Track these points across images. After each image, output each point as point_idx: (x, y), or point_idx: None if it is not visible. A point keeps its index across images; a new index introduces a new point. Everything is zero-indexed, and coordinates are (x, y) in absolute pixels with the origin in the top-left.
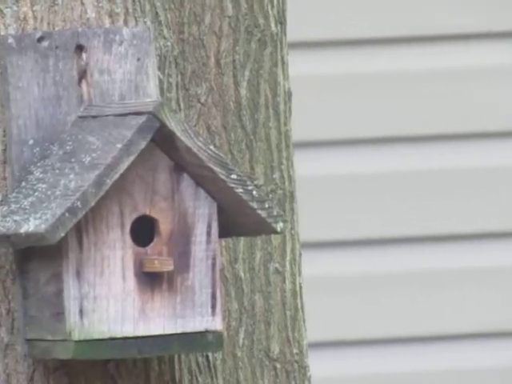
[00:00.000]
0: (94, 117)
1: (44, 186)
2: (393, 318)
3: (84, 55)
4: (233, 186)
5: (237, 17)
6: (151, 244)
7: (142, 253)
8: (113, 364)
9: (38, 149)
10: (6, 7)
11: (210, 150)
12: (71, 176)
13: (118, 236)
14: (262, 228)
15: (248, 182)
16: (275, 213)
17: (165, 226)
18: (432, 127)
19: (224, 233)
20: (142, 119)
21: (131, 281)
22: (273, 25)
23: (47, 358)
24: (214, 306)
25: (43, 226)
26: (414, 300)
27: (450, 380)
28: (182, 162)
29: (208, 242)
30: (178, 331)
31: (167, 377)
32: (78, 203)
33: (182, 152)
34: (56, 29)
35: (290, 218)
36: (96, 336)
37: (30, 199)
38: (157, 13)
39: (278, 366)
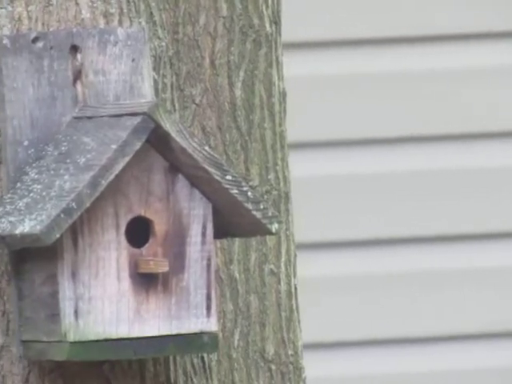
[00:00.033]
0: (89, 117)
1: (39, 186)
2: (393, 318)
3: (79, 56)
4: (228, 186)
5: (231, 17)
6: (146, 245)
7: (137, 254)
8: (108, 365)
9: (32, 150)
10: (1, 8)
11: (205, 150)
12: (66, 177)
13: (113, 237)
14: (257, 229)
15: (243, 183)
16: (270, 214)
17: (160, 226)
18: (432, 127)
19: (219, 234)
20: (136, 120)
21: (126, 282)
22: (267, 25)
23: (42, 359)
24: (209, 307)
25: (38, 227)
26: (414, 300)
27: (450, 380)
28: (176, 163)
29: (203, 242)
30: (173, 332)
31: (162, 378)
32: (73, 204)
33: (177, 153)
34: (51, 29)
35: (285, 219)
36: (91, 337)
37: (25, 200)
38: (151, 13)
39: (273, 367)
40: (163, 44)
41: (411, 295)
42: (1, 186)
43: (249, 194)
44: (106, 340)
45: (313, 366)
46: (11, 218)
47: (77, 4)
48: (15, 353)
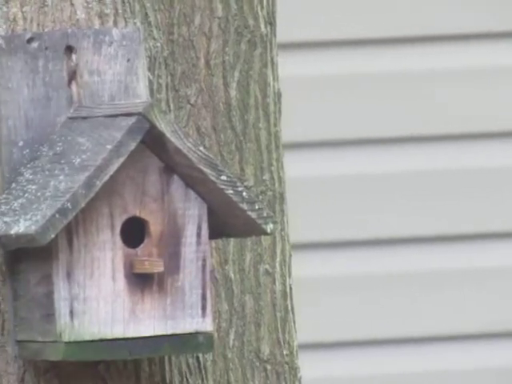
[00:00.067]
0: (84, 118)
1: (34, 187)
2: (392, 318)
3: (74, 56)
4: (223, 187)
5: (226, 18)
6: (141, 245)
7: (132, 254)
8: (103, 365)
9: (27, 150)
10: None
11: (200, 151)
12: (61, 177)
13: (108, 237)
14: (252, 229)
15: (238, 184)
16: (265, 214)
17: (155, 227)
18: (432, 127)
19: (214, 234)
20: (131, 120)
21: (121, 282)
22: (262, 26)
23: (38, 359)
24: (204, 308)
25: (33, 228)
26: (414, 300)
27: (449, 380)
28: (171, 164)
29: (198, 243)
30: (169, 332)
31: (157, 378)
32: (68, 204)
33: (172, 153)
34: (46, 30)
35: (280, 220)
36: (86, 337)
37: (20, 201)
38: (146, 14)
39: (269, 367)
40: (158, 44)
41: (411, 295)
42: None
43: (244, 194)
44: (101, 340)
45: (312, 366)
46: (6, 219)
47: (72, 4)
48: (10, 352)
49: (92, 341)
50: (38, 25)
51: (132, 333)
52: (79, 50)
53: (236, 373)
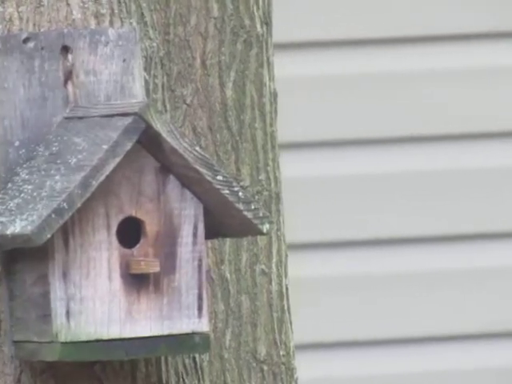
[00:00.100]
0: (80, 118)
1: (30, 187)
2: (392, 318)
3: (70, 56)
4: (219, 187)
5: (222, 18)
6: (137, 245)
7: (128, 254)
8: (99, 366)
9: (23, 150)
10: None
11: (196, 151)
12: (57, 177)
13: (104, 237)
14: (248, 229)
15: (234, 184)
16: (261, 214)
17: (151, 227)
18: (432, 127)
19: (210, 234)
20: (127, 120)
21: (117, 282)
22: (258, 26)
23: (34, 359)
24: (200, 308)
25: (29, 228)
26: (414, 300)
27: (449, 380)
28: (167, 164)
29: (194, 243)
30: (165, 333)
31: (154, 378)
32: (64, 204)
33: (168, 153)
34: (42, 30)
35: (276, 220)
36: (82, 338)
37: (16, 201)
38: (142, 14)
39: (265, 367)
40: (154, 44)
41: (411, 295)
42: None
43: (240, 194)
44: (98, 340)
45: (312, 366)
46: (2, 219)
47: (68, 5)
48: (7, 353)
49: (88, 341)
50: (34, 25)
51: (128, 333)
52: (75, 50)
53: (232, 373)
